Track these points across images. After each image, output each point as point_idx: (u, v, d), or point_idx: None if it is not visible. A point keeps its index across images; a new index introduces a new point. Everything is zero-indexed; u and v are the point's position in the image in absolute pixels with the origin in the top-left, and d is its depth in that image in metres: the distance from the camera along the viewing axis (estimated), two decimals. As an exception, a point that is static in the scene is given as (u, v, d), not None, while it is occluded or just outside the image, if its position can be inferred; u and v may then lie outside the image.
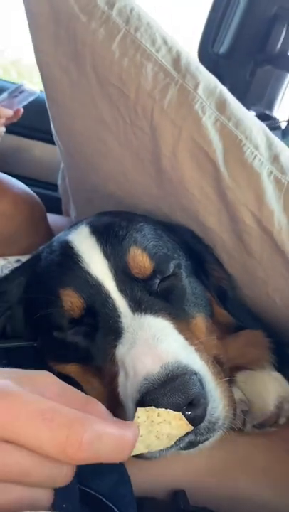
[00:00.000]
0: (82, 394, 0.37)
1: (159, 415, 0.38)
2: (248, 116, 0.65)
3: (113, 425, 0.34)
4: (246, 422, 0.55)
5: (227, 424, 0.51)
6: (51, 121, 0.83)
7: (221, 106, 0.64)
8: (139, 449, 0.37)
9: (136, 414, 0.38)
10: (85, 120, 0.72)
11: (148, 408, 0.38)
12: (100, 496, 0.47)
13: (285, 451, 0.57)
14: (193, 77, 0.64)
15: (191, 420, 0.45)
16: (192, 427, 0.39)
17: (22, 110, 1.23)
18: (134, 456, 0.41)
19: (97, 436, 0.32)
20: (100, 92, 0.67)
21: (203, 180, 0.64)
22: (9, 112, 1.17)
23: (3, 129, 1.23)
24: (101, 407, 0.36)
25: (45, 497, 0.34)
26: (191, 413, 0.45)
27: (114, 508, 0.46)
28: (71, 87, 0.70)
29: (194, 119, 0.63)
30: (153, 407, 0.39)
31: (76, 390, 0.37)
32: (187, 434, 0.44)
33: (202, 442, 0.49)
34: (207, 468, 0.55)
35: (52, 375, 0.37)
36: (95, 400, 0.37)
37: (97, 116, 0.69)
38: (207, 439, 0.49)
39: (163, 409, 0.38)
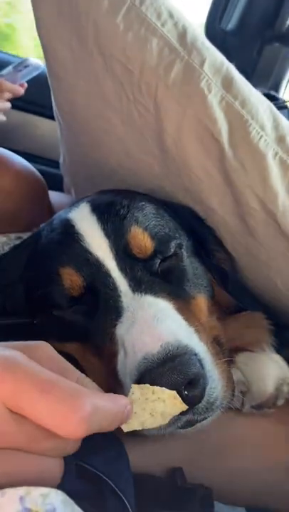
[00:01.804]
0: (77, 371, 0.37)
1: (153, 393, 0.38)
2: (255, 95, 0.64)
3: (107, 398, 0.35)
4: (245, 402, 0.55)
5: (225, 405, 0.51)
6: (52, 96, 0.81)
7: (228, 84, 0.63)
8: (134, 425, 0.37)
9: (130, 390, 0.38)
10: (88, 96, 0.70)
11: (142, 385, 0.39)
12: (97, 472, 0.47)
13: (281, 432, 0.58)
14: (199, 54, 0.63)
15: (190, 400, 0.45)
16: (186, 407, 0.40)
17: (26, 85, 1.20)
18: (130, 432, 0.41)
19: (94, 410, 0.32)
20: (103, 67, 0.66)
21: (207, 160, 0.63)
22: (15, 88, 1.15)
23: (9, 104, 1.20)
24: (93, 386, 0.37)
25: (57, 467, 0.35)
26: (189, 393, 0.45)
27: (112, 484, 0.47)
28: (73, 62, 0.68)
29: (200, 97, 0.62)
30: (148, 385, 0.39)
31: (71, 365, 0.38)
32: (184, 413, 0.45)
33: (200, 421, 0.50)
34: (204, 447, 0.56)
35: (50, 346, 0.37)
36: (88, 378, 0.37)
37: (100, 93, 0.68)
38: (205, 419, 0.50)
39: (158, 387, 0.39)
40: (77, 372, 0.37)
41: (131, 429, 0.37)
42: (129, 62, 0.63)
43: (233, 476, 0.56)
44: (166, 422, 0.38)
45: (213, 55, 0.64)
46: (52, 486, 0.34)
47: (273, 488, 0.56)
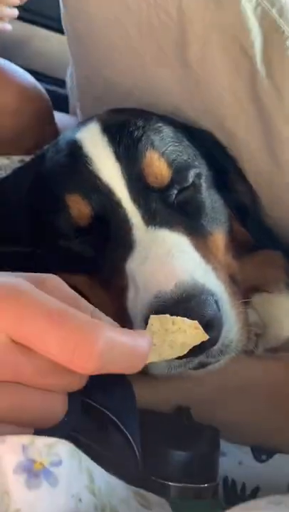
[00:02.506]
0: (90, 305, 0.35)
1: (173, 323, 0.36)
2: None
3: (126, 334, 0.31)
4: (258, 345, 0.53)
5: (240, 347, 0.49)
6: (61, 4, 0.72)
7: None
8: (152, 357, 0.35)
9: (149, 321, 0.36)
10: (102, 1, 0.62)
11: (162, 316, 0.36)
12: (102, 409, 0.46)
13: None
14: None
15: (205, 342, 0.43)
16: (208, 336, 0.37)
17: None
18: (141, 371, 0.39)
19: (109, 345, 0.29)
20: None
21: (235, 78, 0.56)
22: None
23: (16, 11, 1.09)
24: (108, 319, 0.35)
25: (60, 403, 0.33)
26: None
27: (118, 422, 0.46)
28: None
29: (232, 2, 0.54)
30: (167, 315, 0.36)
31: (83, 299, 0.35)
32: (197, 354, 0.42)
33: (212, 364, 0.48)
34: (214, 388, 0.55)
35: (60, 279, 0.34)
36: (103, 314, 0.35)
37: None
38: (218, 361, 0.48)
39: (178, 317, 0.36)
40: (91, 307, 0.34)
41: (148, 362, 0.34)
42: None
43: (241, 417, 0.55)
44: (185, 353, 0.36)
45: None
46: (54, 423, 0.32)
47: (281, 430, 0.55)
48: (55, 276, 0.35)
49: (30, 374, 0.30)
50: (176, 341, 0.35)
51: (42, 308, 0.29)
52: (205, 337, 0.37)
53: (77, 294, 0.35)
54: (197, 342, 0.36)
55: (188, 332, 0.36)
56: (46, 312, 0.29)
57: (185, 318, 0.36)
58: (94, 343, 0.28)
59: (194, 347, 0.37)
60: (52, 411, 0.32)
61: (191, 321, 0.36)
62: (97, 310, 0.35)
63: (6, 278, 0.31)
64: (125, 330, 0.32)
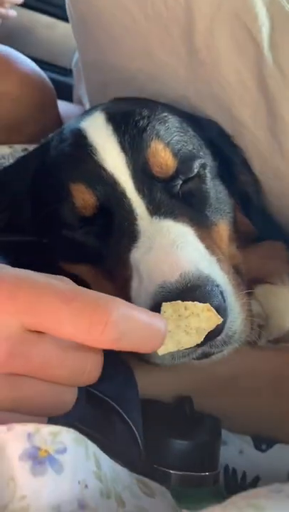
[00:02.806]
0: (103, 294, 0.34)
1: (186, 308, 0.36)
2: None
3: (142, 310, 0.31)
4: (261, 336, 0.53)
5: (243, 338, 0.49)
6: None
7: None
8: (169, 347, 0.35)
9: (162, 309, 0.36)
10: None
11: (174, 302, 0.36)
12: (106, 398, 0.47)
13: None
14: None
15: (208, 333, 0.43)
16: (221, 319, 0.37)
17: None
18: (144, 361, 0.39)
19: (124, 317, 0.29)
20: None
21: (242, 64, 0.55)
22: None
23: None
24: None
25: (69, 397, 0.33)
26: None
27: (121, 411, 0.46)
28: None
29: None
30: (179, 301, 0.36)
31: (96, 292, 0.34)
32: (201, 345, 0.42)
33: (216, 354, 0.48)
34: (214, 377, 0.55)
35: (69, 280, 0.34)
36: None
37: None
38: (221, 352, 0.48)
39: (189, 302, 0.36)
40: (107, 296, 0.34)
41: (167, 352, 0.35)
42: None
43: (242, 406, 0.55)
44: (202, 339, 0.36)
45: None
46: (63, 413, 0.32)
47: (282, 420, 0.55)
48: (63, 277, 0.34)
49: (39, 365, 0.30)
50: (190, 326, 0.35)
51: (54, 289, 0.29)
52: (219, 320, 0.36)
53: (88, 290, 0.34)
54: (212, 326, 0.36)
55: (201, 316, 0.36)
56: (59, 292, 0.29)
57: (196, 302, 0.36)
58: (109, 313, 0.28)
59: (209, 332, 0.36)
60: (61, 402, 0.32)
61: (202, 304, 0.36)
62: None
63: (13, 269, 0.31)
64: (140, 308, 0.32)
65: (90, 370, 0.32)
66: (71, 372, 0.31)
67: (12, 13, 1.10)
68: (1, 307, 0.29)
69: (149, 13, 0.59)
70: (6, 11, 1.09)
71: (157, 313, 0.33)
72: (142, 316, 0.31)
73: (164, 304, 0.36)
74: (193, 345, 0.36)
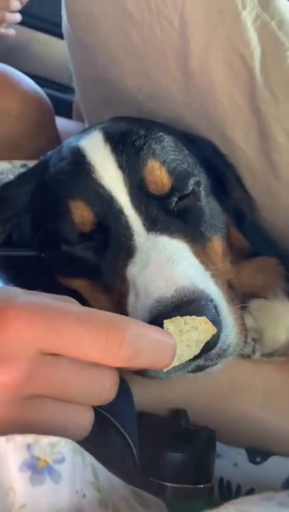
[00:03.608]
0: (114, 314, 0.35)
1: (185, 323, 0.38)
2: None
3: (153, 328, 0.33)
4: (255, 350, 0.54)
5: (237, 351, 0.50)
6: (63, 6, 0.72)
7: (265, 1, 0.55)
8: (173, 362, 0.36)
9: (164, 326, 0.37)
10: (106, 6, 0.63)
11: (174, 318, 0.38)
12: (102, 411, 0.47)
13: (288, 381, 0.57)
14: None
15: (203, 346, 0.44)
16: (216, 329, 0.39)
17: None
18: (140, 374, 0.40)
19: (138, 334, 0.30)
20: None
21: (235, 87, 0.57)
22: None
23: (19, 16, 1.09)
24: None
25: (86, 416, 0.34)
26: None
27: (116, 423, 0.46)
28: None
29: (232, 14, 0.55)
30: (178, 317, 0.38)
31: (107, 312, 0.35)
32: (196, 358, 0.43)
33: (210, 367, 0.49)
34: (210, 391, 0.55)
35: (75, 300, 0.35)
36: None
37: (120, 3, 0.60)
38: (216, 364, 0.49)
39: (187, 316, 0.38)
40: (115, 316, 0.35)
41: (171, 367, 0.36)
42: None
43: (237, 419, 0.56)
44: (199, 350, 0.38)
45: None
46: (80, 438, 0.33)
47: (276, 433, 0.56)
48: (69, 298, 0.35)
49: (58, 385, 0.31)
50: (191, 339, 0.37)
51: (69, 312, 0.30)
52: (214, 330, 0.39)
53: (95, 310, 0.35)
54: (208, 337, 0.38)
55: (199, 328, 0.38)
56: (74, 314, 0.30)
57: (194, 316, 0.38)
58: (123, 332, 0.30)
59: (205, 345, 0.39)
60: (79, 422, 0.33)
61: (200, 317, 0.38)
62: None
63: (27, 294, 0.32)
64: (151, 326, 0.34)
65: (108, 388, 0.33)
66: (89, 390, 0.32)
67: (11, 32, 1.12)
68: (21, 333, 0.30)
69: (146, 36, 0.61)
70: (6, 30, 1.11)
71: (166, 331, 0.35)
72: (153, 333, 0.32)
73: (165, 321, 0.37)
74: (191, 357, 0.38)
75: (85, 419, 0.33)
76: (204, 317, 0.38)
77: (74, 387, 0.31)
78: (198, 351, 0.38)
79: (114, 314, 0.32)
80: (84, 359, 0.30)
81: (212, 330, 0.38)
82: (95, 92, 0.79)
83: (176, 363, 0.36)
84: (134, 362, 0.30)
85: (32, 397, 0.30)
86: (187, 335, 0.37)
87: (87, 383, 0.31)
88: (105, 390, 0.33)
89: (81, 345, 0.29)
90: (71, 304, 0.32)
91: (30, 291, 0.33)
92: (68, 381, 0.31)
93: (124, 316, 0.32)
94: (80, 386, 0.31)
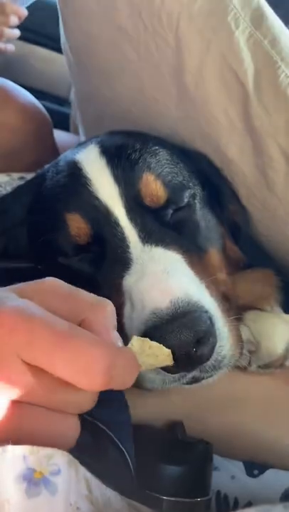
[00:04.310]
0: (93, 295, 0.36)
1: (150, 348, 0.38)
2: (288, 35, 0.58)
3: (125, 356, 0.33)
4: (252, 361, 0.54)
5: (233, 363, 0.50)
6: (61, 24, 0.74)
7: (257, 20, 0.57)
8: None
9: (131, 341, 0.37)
10: (103, 25, 0.64)
11: (142, 338, 0.38)
12: (98, 423, 0.47)
13: (285, 392, 0.57)
14: None
15: (198, 358, 0.44)
16: (172, 362, 0.39)
17: (26, 12, 1.09)
18: (135, 385, 0.40)
19: (113, 364, 0.31)
20: None
21: (229, 104, 0.58)
22: (20, 9, 1.04)
23: (18, 32, 1.10)
24: (110, 308, 0.36)
25: (73, 425, 0.34)
26: (198, 351, 0.44)
27: (112, 435, 0.46)
28: None
29: (226, 33, 0.56)
30: (147, 339, 0.38)
31: (86, 292, 0.36)
32: (191, 370, 0.44)
33: (206, 378, 0.49)
34: (205, 401, 0.55)
35: (57, 279, 0.36)
36: (107, 300, 0.36)
37: (116, 21, 0.61)
38: (211, 376, 0.49)
39: (156, 343, 0.38)
40: (94, 297, 0.36)
41: None
42: None
43: (233, 431, 0.56)
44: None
45: None
46: (67, 447, 0.32)
47: (273, 445, 0.56)
48: (52, 278, 0.36)
49: (43, 393, 0.31)
50: (146, 363, 0.37)
51: (50, 331, 0.30)
52: (171, 363, 0.39)
53: (74, 288, 0.36)
54: (161, 365, 0.39)
55: (159, 357, 0.38)
56: (53, 335, 0.30)
57: (162, 346, 0.38)
58: (100, 361, 0.30)
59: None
60: (64, 433, 0.33)
61: (167, 349, 0.39)
62: (101, 299, 0.36)
63: (15, 301, 0.32)
64: (121, 348, 0.34)
65: (92, 395, 0.33)
66: (73, 400, 0.32)
67: (10, 47, 1.14)
68: (2, 341, 0.30)
69: (142, 53, 0.62)
70: (5, 46, 1.13)
71: (133, 356, 0.35)
72: (125, 361, 0.32)
73: (134, 337, 0.38)
74: None
75: (71, 429, 0.33)
76: (169, 350, 0.39)
77: (57, 395, 0.31)
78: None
79: (93, 337, 0.31)
80: (59, 377, 0.30)
81: (169, 362, 0.39)
82: (92, 108, 0.80)
83: None
84: (107, 387, 0.31)
85: (17, 402, 0.30)
86: (146, 358, 0.37)
87: (69, 395, 0.32)
88: (87, 399, 0.33)
89: (55, 365, 0.30)
90: (57, 319, 0.32)
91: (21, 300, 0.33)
92: (50, 391, 0.31)
93: (99, 341, 0.32)
94: (61, 395, 0.31)
